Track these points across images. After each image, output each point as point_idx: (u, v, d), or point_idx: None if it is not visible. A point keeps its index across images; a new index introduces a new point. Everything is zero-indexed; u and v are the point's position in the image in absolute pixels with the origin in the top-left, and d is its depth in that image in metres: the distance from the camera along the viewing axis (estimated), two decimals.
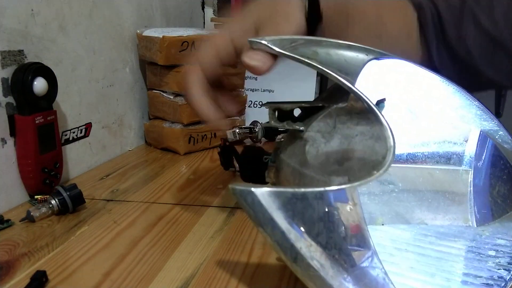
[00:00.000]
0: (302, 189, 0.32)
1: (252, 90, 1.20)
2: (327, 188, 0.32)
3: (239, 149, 0.69)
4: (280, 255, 0.33)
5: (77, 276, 0.46)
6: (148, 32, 0.91)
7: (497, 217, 0.54)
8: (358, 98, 0.37)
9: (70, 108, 0.75)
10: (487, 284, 0.42)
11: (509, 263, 0.45)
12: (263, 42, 0.40)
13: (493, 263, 0.45)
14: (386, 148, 0.34)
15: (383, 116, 0.36)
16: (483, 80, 0.56)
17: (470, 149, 0.56)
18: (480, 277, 0.43)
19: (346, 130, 0.38)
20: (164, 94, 0.93)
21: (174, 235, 0.56)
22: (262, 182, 0.55)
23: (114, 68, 0.89)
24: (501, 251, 0.48)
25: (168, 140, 0.92)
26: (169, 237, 0.55)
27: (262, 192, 0.31)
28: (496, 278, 0.43)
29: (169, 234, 0.56)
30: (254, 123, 0.96)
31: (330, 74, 0.38)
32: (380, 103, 0.51)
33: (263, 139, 0.97)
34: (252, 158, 0.59)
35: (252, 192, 0.31)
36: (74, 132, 0.77)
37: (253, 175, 0.59)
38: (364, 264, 0.33)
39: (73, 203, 0.61)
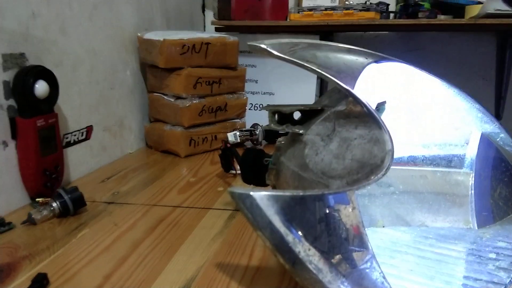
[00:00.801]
0: (301, 193, 0.32)
1: (253, 93, 1.20)
2: (326, 192, 0.32)
3: (240, 151, 0.69)
4: (278, 258, 0.33)
5: (78, 279, 0.46)
6: (149, 35, 0.91)
7: (498, 219, 0.53)
8: (357, 101, 0.37)
9: (71, 111, 0.76)
10: (487, 287, 0.42)
11: (509, 266, 0.45)
12: (263, 46, 0.39)
13: (493, 266, 0.45)
14: (385, 152, 0.34)
15: (381, 120, 0.36)
16: None
17: (471, 152, 0.56)
18: (480, 280, 0.43)
19: (345, 133, 0.38)
20: (164, 96, 0.93)
21: (175, 237, 0.56)
22: (262, 184, 0.56)
23: (115, 70, 0.89)
24: (502, 253, 0.47)
25: (169, 143, 0.92)
26: (170, 239, 0.55)
27: (260, 196, 0.31)
28: (496, 281, 0.42)
29: (170, 236, 0.56)
30: (255, 125, 0.96)
31: (328, 77, 0.38)
32: (380, 105, 0.51)
33: (264, 142, 0.97)
34: (252, 161, 0.58)
35: (250, 196, 0.31)
36: (75, 135, 0.77)
37: (254, 178, 0.59)
38: (363, 268, 0.33)
39: (74, 206, 0.61)
